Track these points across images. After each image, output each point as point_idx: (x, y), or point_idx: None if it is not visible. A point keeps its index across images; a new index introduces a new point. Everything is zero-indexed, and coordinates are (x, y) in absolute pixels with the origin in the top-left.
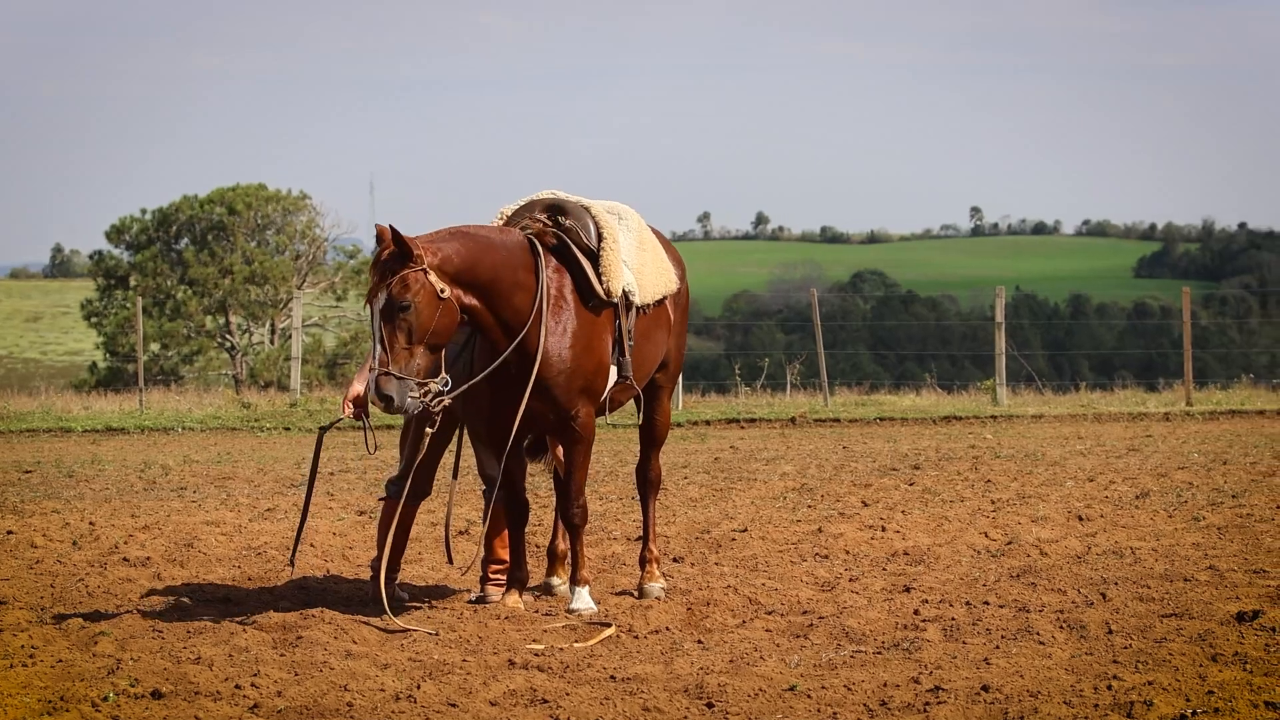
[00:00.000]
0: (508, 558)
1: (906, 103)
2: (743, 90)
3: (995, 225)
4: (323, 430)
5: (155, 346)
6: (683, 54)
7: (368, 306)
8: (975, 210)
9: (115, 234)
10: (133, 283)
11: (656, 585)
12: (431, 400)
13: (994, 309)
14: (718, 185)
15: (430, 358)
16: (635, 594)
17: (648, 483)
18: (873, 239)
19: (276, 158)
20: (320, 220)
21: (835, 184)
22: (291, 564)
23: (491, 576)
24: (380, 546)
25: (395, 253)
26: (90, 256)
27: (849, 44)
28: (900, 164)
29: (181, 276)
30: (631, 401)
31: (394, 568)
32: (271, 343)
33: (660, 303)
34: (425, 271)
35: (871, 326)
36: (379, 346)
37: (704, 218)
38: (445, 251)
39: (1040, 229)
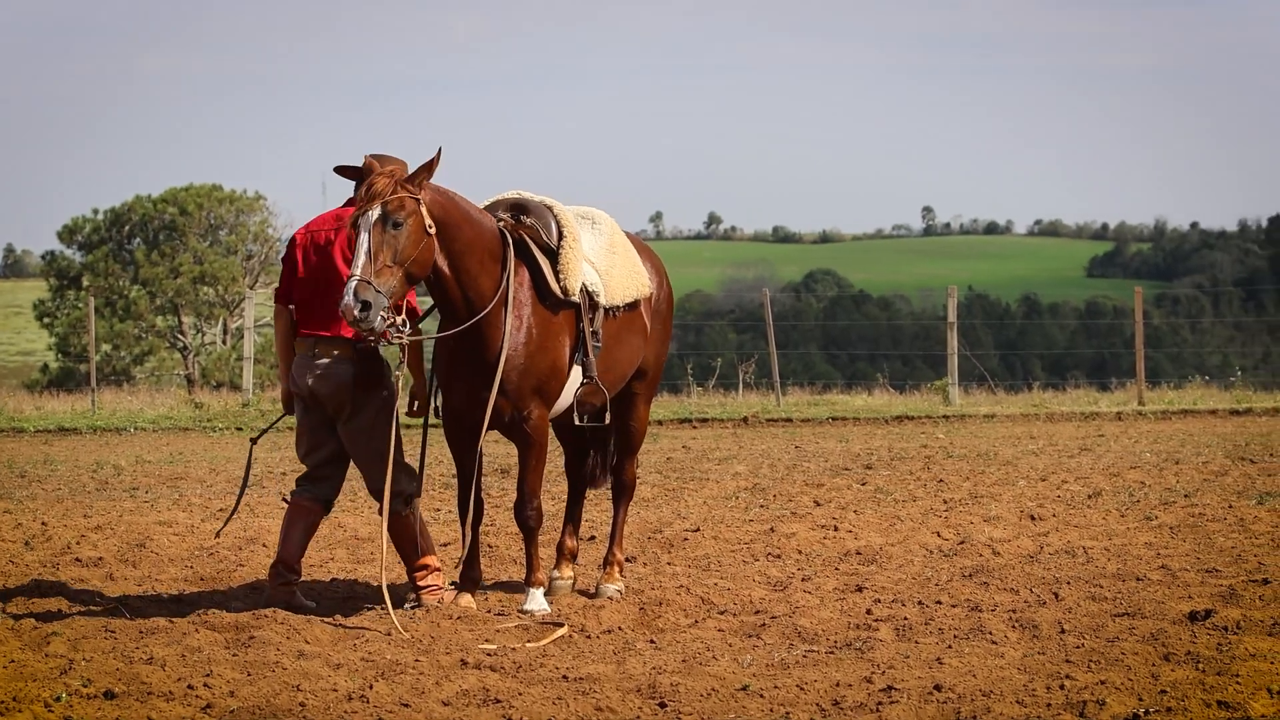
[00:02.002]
0: (433, 564)
1: (858, 103)
2: (693, 90)
3: (947, 225)
4: (253, 443)
5: (107, 347)
6: (634, 55)
7: (355, 223)
8: (927, 210)
9: (68, 234)
10: (85, 283)
11: (613, 587)
12: (392, 330)
13: (946, 308)
14: (669, 185)
15: (404, 289)
16: (590, 593)
17: (621, 486)
18: (825, 239)
19: (231, 158)
20: (274, 221)
21: (787, 184)
22: (218, 535)
23: (420, 584)
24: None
25: (397, 177)
26: (42, 257)
27: (800, 44)
28: (852, 164)
29: (134, 276)
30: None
31: (293, 568)
32: (224, 343)
33: (634, 307)
34: (419, 202)
35: (824, 326)
36: (364, 256)
37: (656, 217)
38: (433, 197)
39: (992, 229)
